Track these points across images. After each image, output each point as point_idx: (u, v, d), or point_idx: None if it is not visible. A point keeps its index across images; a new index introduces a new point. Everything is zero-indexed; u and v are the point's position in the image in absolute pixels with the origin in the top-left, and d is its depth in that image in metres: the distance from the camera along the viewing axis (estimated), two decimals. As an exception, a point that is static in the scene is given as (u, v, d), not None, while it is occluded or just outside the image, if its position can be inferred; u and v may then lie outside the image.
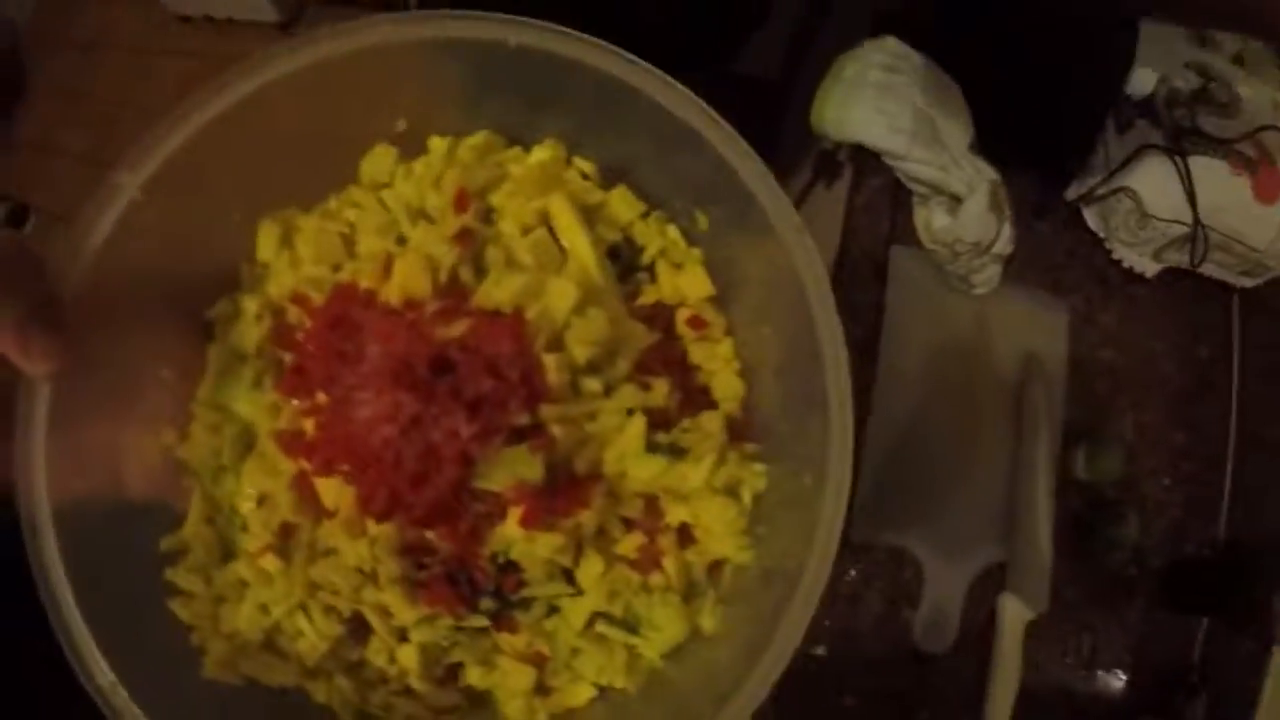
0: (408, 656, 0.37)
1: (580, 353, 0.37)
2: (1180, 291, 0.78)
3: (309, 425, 0.36)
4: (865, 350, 0.64)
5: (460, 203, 0.39)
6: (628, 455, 0.37)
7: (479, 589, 0.37)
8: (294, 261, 0.40)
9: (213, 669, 0.36)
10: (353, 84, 0.38)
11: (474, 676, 0.38)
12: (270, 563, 0.37)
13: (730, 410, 0.41)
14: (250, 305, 0.40)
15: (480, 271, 0.39)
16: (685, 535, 0.39)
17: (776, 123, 0.89)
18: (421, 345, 0.34)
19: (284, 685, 0.37)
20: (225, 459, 0.38)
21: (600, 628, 0.38)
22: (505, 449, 0.34)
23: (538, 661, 0.38)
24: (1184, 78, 0.78)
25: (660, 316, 0.41)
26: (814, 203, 0.78)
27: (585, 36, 0.35)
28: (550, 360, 0.35)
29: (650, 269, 0.43)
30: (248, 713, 0.37)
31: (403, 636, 0.37)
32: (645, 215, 0.43)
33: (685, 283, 0.42)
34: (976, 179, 0.64)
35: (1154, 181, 0.71)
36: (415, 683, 0.37)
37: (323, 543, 0.37)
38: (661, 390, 0.38)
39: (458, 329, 0.35)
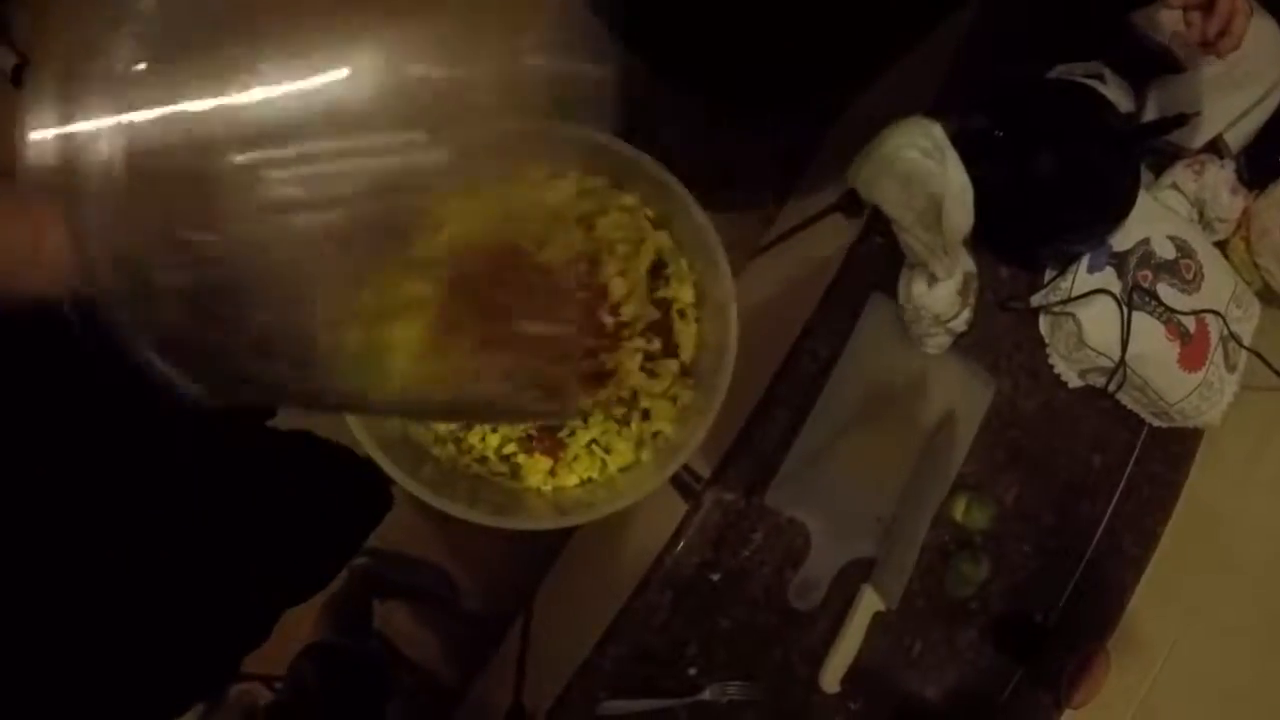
0: (493, 440, 0.68)
1: (625, 314, 0.69)
2: (1100, 407, 0.95)
3: None
4: (825, 365, 0.81)
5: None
6: (630, 370, 0.69)
7: None
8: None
9: (390, 426, 0.65)
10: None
11: (519, 458, 0.69)
12: None
13: (685, 361, 0.72)
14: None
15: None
16: (645, 414, 0.71)
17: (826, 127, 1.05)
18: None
19: (421, 442, 0.67)
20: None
21: (593, 447, 0.70)
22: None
23: (554, 456, 0.68)
24: (1163, 246, 0.93)
25: (664, 304, 0.72)
26: (829, 225, 0.94)
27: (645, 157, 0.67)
28: (608, 319, 0.68)
29: (667, 278, 0.73)
30: (399, 452, 0.64)
31: (493, 429, 0.68)
32: (673, 250, 0.73)
33: (682, 291, 0.73)
34: (955, 267, 0.80)
35: (1098, 319, 0.88)
36: (490, 454, 0.69)
37: None
38: (656, 344, 0.70)
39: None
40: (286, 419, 1.00)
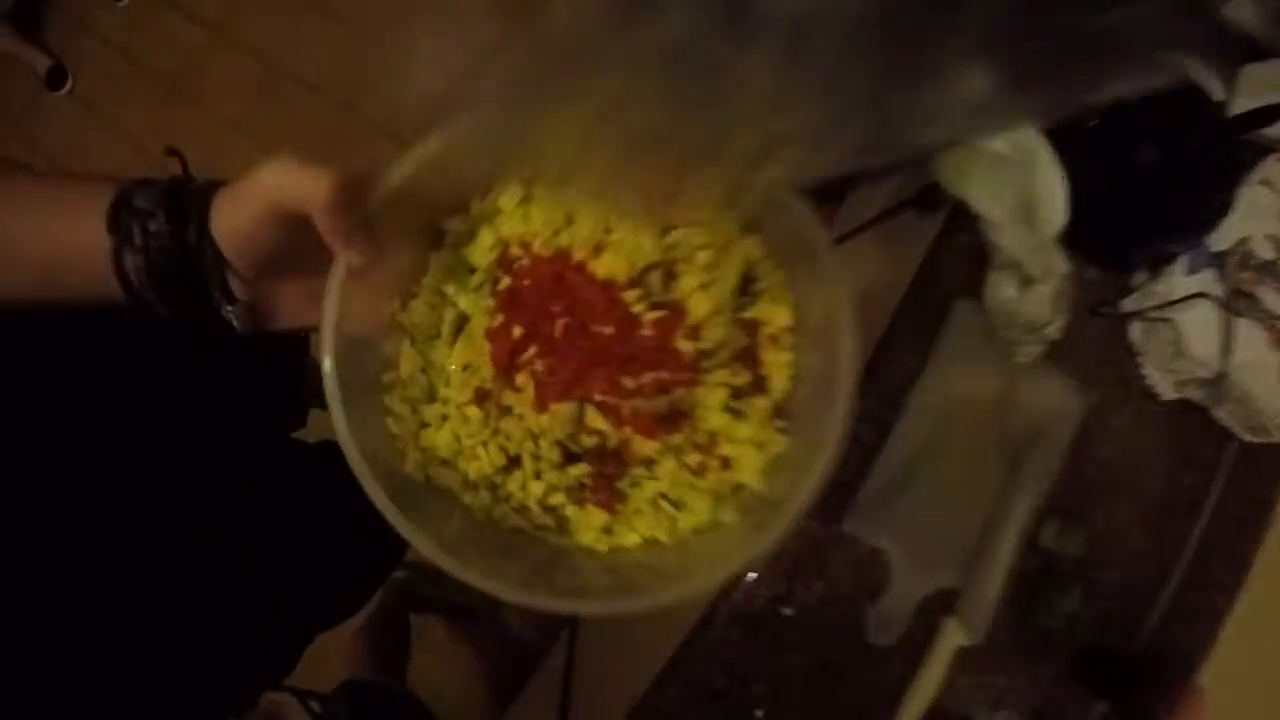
0: (535, 488, 0.54)
1: (707, 339, 0.54)
2: (1188, 421, 0.88)
3: (515, 330, 0.53)
4: (908, 379, 0.74)
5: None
6: (710, 409, 0.55)
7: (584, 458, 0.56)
8: (526, 217, 0.55)
9: (409, 467, 0.54)
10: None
11: (568, 510, 0.56)
12: (471, 411, 0.54)
13: (776, 398, 0.57)
14: (487, 235, 0.55)
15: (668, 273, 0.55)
16: (725, 463, 0.56)
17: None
18: (612, 313, 0.52)
19: (449, 487, 0.54)
20: (443, 332, 0.55)
21: (659, 501, 0.56)
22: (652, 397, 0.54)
23: (611, 510, 0.55)
24: (1262, 246, 0.86)
25: (752, 327, 0.58)
26: (902, 225, 0.87)
27: None
28: (686, 345, 0.54)
29: (756, 295, 0.58)
30: (419, 499, 0.53)
31: (536, 475, 0.54)
32: (765, 260, 0.57)
33: (775, 312, 0.58)
34: (1052, 269, 0.73)
35: (1199, 326, 0.80)
36: (532, 504, 0.55)
37: (506, 404, 0.54)
38: (742, 378, 0.56)
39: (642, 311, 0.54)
40: (316, 431, 0.93)
